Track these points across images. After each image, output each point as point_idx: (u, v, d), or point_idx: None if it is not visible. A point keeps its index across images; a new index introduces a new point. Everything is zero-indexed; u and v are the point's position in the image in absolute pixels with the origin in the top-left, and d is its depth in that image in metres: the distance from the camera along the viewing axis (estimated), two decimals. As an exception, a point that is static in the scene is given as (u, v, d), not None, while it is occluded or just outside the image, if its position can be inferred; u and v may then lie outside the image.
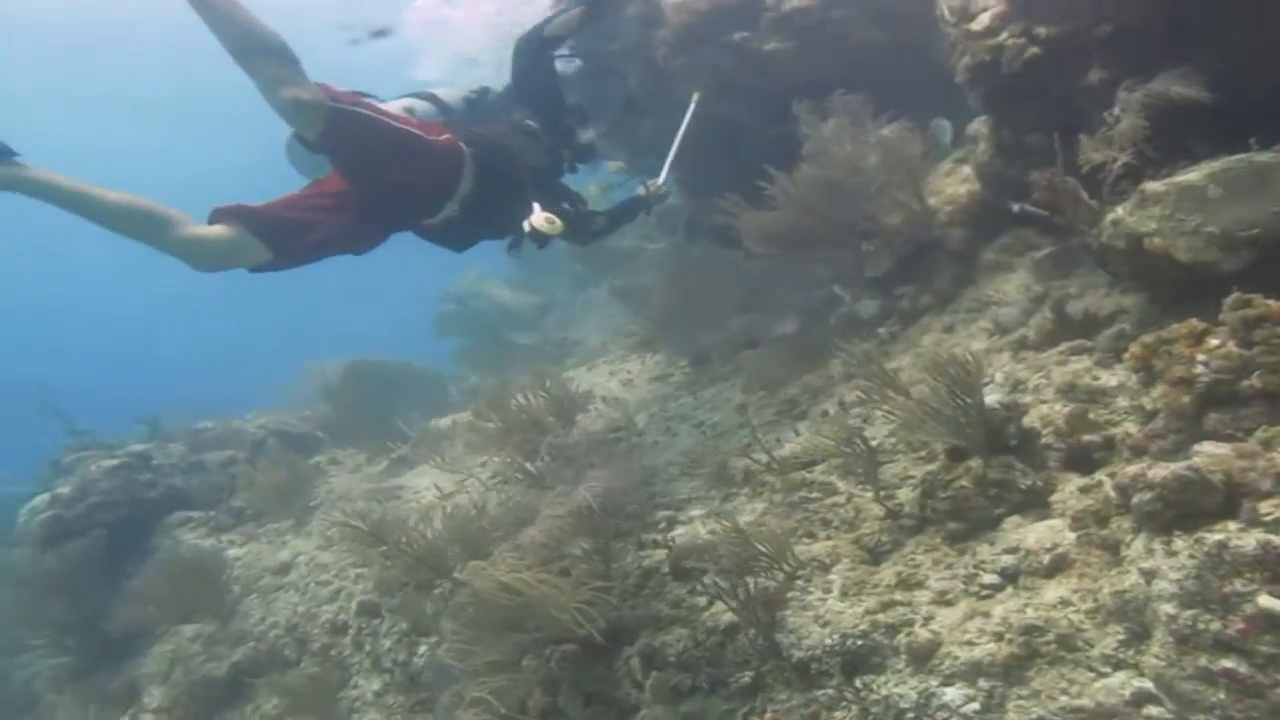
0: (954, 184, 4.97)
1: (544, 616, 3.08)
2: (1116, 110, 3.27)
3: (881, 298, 4.94)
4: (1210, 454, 2.65)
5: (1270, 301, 2.84)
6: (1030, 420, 3.36)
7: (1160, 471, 2.59)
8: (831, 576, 3.16)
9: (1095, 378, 3.37)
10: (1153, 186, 3.12)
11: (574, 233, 5.08)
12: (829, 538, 3.41)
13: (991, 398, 3.71)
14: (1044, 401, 3.47)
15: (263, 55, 3.87)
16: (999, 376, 3.84)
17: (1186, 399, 2.91)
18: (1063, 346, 3.68)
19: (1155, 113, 3.20)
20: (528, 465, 4.81)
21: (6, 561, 7.46)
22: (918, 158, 4.62)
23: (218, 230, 3.91)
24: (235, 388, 10.75)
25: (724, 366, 5.62)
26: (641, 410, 5.67)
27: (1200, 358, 2.88)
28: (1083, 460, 3.12)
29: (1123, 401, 3.22)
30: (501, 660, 3.24)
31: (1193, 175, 3.06)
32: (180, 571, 5.98)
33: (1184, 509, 2.54)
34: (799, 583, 3.17)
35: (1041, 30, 3.60)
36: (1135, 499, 2.61)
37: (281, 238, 4.04)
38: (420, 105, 4.74)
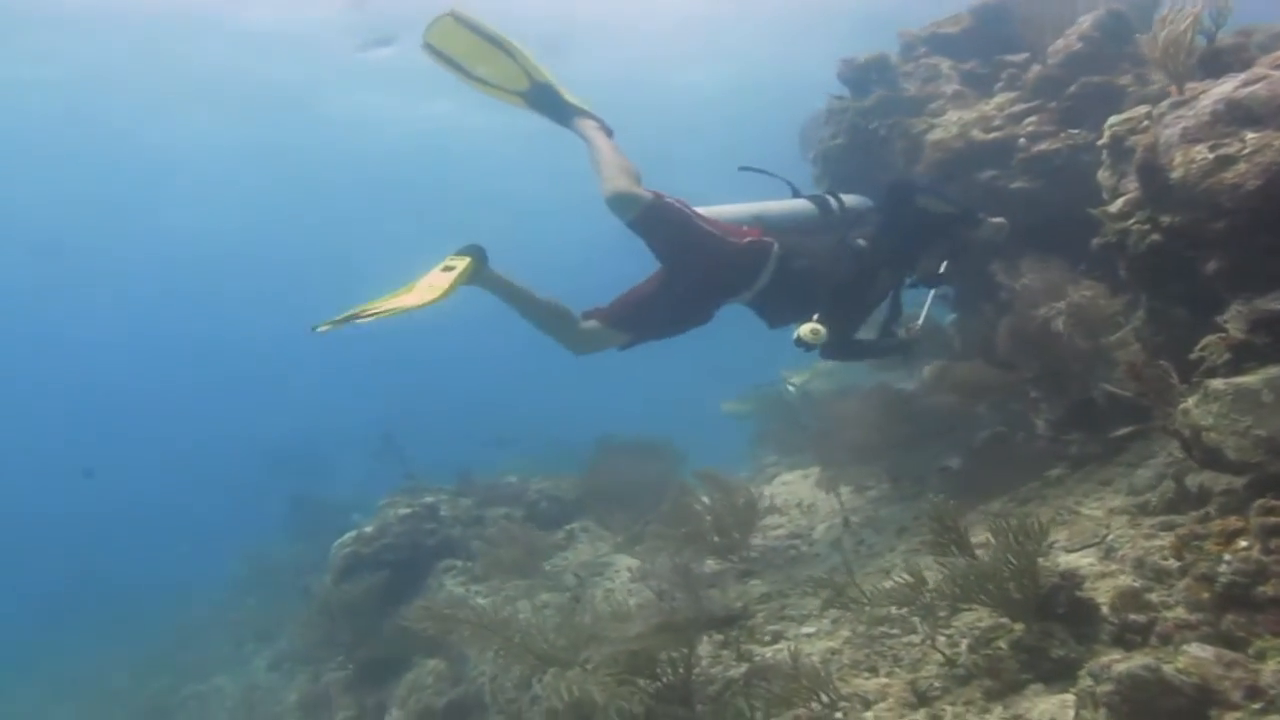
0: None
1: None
2: (1228, 316, 3.34)
3: (1052, 442, 5.01)
4: (1193, 656, 2.74)
5: (1295, 511, 2.85)
6: (1104, 590, 3.44)
7: (1122, 665, 2.70)
8: (867, 714, 3.41)
9: (1165, 558, 3.39)
10: (1215, 384, 3.17)
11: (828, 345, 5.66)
12: (888, 675, 3.64)
13: (1085, 560, 3.82)
14: (1124, 573, 3.54)
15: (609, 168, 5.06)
16: (1110, 538, 3.90)
17: (1206, 596, 2.96)
18: (1158, 520, 3.70)
19: (1257, 322, 3.25)
20: (694, 566, 5.29)
21: (317, 586, 8.92)
22: (1104, 319, 4.71)
23: (591, 325, 5.13)
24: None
25: (908, 490, 5.82)
26: (826, 520, 5.98)
27: (1226, 557, 2.93)
28: (1127, 639, 3.18)
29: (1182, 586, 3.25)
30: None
31: (1251, 378, 3.09)
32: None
33: (1142, 708, 2.65)
34: (838, 715, 3.45)
35: (1165, 219, 3.68)
36: (1098, 689, 2.73)
37: (634, 325, 5.21)
38: (780, 208, 5.50)
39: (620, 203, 4.96)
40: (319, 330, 4.27)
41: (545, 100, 5.42)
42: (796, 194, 5.57)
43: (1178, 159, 3.36)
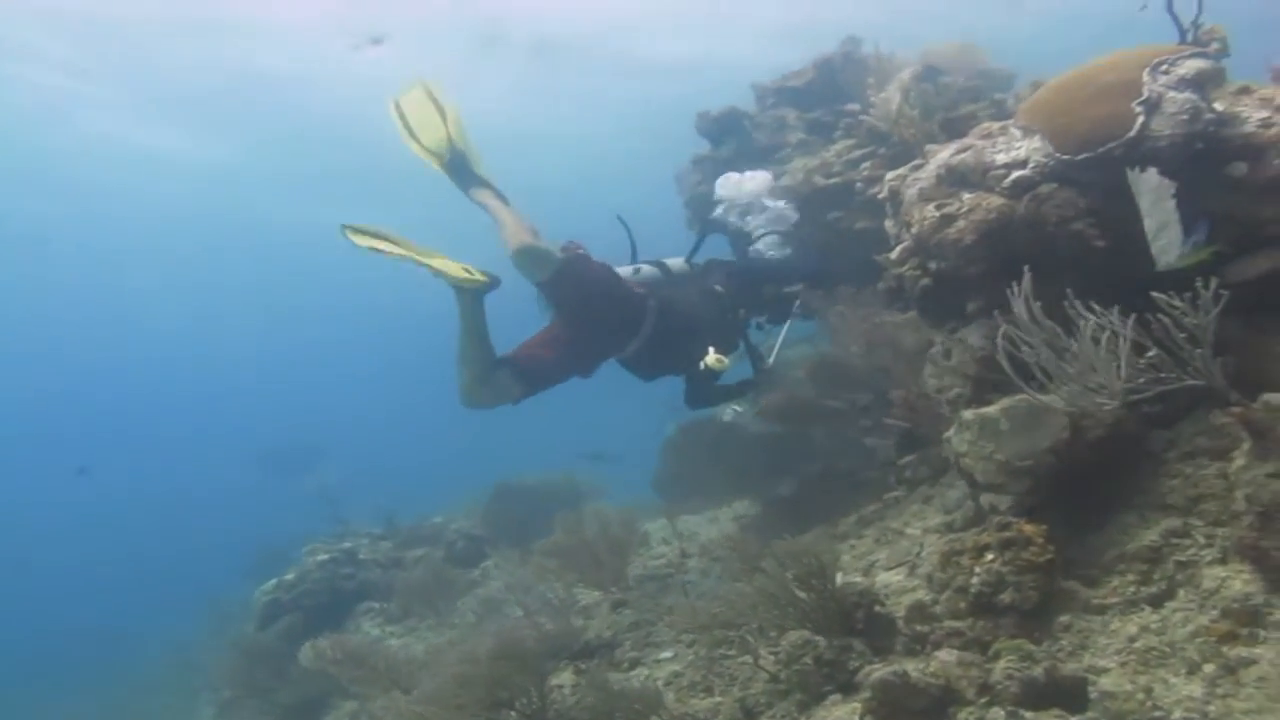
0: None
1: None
2: (949, 347, 3.79)
3: (882, 469, 5.45)
4: (940, 660, 3.16)
5: (1026, 526, 3.31)
6: (904, 605, 3.85)
7: (877, 673, 3.12)
8: (697, 732, 3.81)
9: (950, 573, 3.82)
10: (966, 415, 3.61)
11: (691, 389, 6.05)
12: (722, 693, 4.03)
13: (896, 578, 4.25)
14: (921, 588, 3.96)
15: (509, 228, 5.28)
16: (921, 555, 4.33)
17: (962, 605, 3.39)
18: (950, 537, 4.12)
19: (972, 355, 3.71)
20: (577, 595, 5.67)
21: (239, 633, 9.19)
22: (913, 345, 5.15)
23: (499, 375, 5.28)
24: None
25: (775, 517, 6.23)
26: (703, 550, 6.37)
27: (977, 570, 3.37)
28: (913, 649, 3.60)
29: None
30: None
31: (992, 409, 3.54)
32: (344, 656, 7.19)
33: (894, 708, 3.06)
34: (671, 734, 3.84)
35: (933, 265, 4.13)
36: (862, 696, 3.15)
37: (534, 378, 5.39)
38: (647, 269, 5.89)
39: (526, 257, 5.17)
40: (348, 232, 4.97)
41: (458, 167, 5.66)
42: (634, 256, 5.97)
43: (915, 215, 3.84)
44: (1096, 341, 2.82)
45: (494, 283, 5.18)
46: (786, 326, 6.29)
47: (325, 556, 9.26)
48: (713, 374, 5.43)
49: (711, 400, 6.28)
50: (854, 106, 6.74)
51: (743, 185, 6.71)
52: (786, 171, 6.91)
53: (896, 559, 4.43)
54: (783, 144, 7.20)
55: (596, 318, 5.50)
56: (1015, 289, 3.07)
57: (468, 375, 5.23)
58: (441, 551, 9.73)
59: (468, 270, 5.07)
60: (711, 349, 5.40)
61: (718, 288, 5.91)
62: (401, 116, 5.67)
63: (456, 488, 12.81)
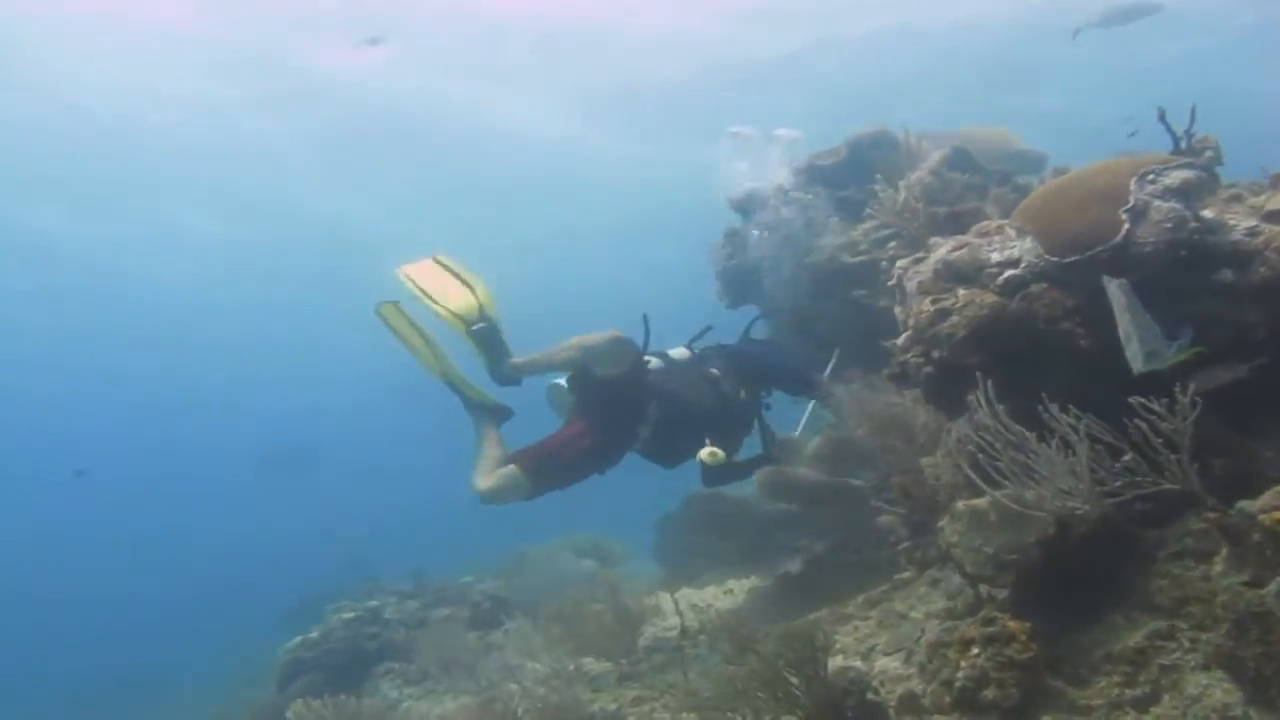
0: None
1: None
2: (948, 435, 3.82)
3: (890, 549, 5.44)
4: (915, 756, 3.16)
5: (1010, 622, 3.31)
6: (898, 693, 3.85)
7: (852, 768, 3.13)
8: (681, 815, 3.81)
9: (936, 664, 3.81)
10: (958, 506, 3.64)
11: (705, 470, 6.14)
12: (708, 778, 4.04)
13: (894, 664, 4.24)
14: (914, 677, 3.95)
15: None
16: (921, 642, 4.32)
17: (947, 699, 3.39)
18: (943, 626, 4.12)
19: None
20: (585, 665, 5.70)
21: (259, 693, 9.26)
22: (918, 426, 5.17)
23: (511, 470, 5.50)
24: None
25: (788, 590, 6.22)
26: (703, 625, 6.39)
27: (962, 664, 3.37)
28: (905, 740, 3.59)
29: (952, 688, 3.66)
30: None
31: (981, 501, 3.56)
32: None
33: (869, 803, 3.07)
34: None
35: (935, 353, 4.18)
36: (838, 787, 3.15)
37: (549, 477, 5.60)
38: (654, 362, 6.05)
39: (617, 346, 5.57)
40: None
41: (488, 337, 5.67)
42: (645, 349, 6.06)
43: (914, 308, 3.90)
44: (1064, 446, 2.85)
45: (503, 411, 5.86)
46: (814, 402, 6.36)
47: (351, 615, 9.33)
48: (711, 465, 5.59)
49: (726, 479, 6.35)
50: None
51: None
52: (815, 249, 7.02)
53: (896, 644, 4.43)
54: (813, 220, 7.29)
55: (624, 414, 5.69)
56: (977, 395, 3.12)
57: (478, 472, 5.51)
58: (467, 612, 9.77)
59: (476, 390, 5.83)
60: (708, 441, 5.55)
61: (714, 371, 6.05)
62: (413, 281, 5.83)
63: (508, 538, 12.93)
